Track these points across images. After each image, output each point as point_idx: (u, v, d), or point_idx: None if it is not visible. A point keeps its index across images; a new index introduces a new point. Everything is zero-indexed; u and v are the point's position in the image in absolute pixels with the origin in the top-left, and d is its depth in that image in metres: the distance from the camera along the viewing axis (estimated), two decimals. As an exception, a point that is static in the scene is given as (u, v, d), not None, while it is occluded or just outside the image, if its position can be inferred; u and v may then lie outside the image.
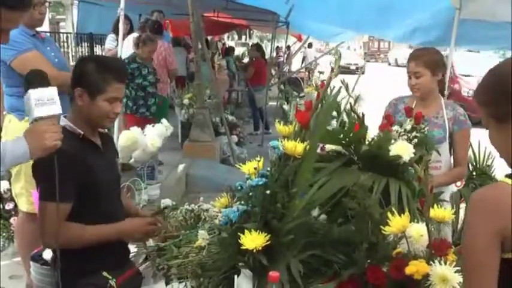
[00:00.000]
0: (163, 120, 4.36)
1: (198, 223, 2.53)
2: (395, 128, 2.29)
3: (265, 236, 1.60)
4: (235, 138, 8.15)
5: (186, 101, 7.08)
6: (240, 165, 1.86)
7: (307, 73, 17.17)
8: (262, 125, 9.90)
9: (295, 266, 1.59)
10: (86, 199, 2.01)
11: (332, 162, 2.02)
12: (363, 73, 23.69)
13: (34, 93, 1.73)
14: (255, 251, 1.58)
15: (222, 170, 6.71)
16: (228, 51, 15.19)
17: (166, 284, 2.16)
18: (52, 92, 1.76)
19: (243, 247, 1.59)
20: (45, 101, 1.74)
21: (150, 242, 2.41)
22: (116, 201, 2.21)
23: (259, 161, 1.80)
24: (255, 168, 1.78)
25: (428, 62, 2.86)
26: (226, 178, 6.35)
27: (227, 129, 7.44)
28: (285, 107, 11.26)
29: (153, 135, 4.01)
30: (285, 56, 18.30)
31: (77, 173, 1.89)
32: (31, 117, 1.74)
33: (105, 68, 2.05)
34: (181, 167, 6.16)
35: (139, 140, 3.90)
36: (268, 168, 1.81)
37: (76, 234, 2.00)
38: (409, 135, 2.33)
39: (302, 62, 19.25)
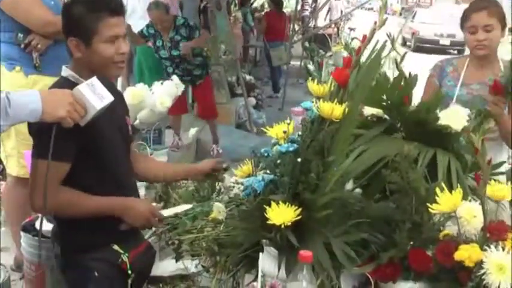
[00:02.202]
0: (174, 77, 4.32)
1: (212, 194, 2.53)
2: None
3: (295, 210, 1.59)
4: (252, 100, 8.14)
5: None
6: (266, 129, 1.84)
7: (335, 29, 16.94)
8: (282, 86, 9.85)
9: (339, 247, 1.59)
10: (89, 161, 1.99)
11: (371, 128, 2.00)
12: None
13: (83, 88, 1.83)
14: (283, 226, 1.57)
15: (238, 136, 6.73)
16: (244, 1, 14.98)
17: (176, 260, 2.18)
18: (95, 81, 1.87)
19: (269, 222, 1.58)
20: (96, 92, 1.84)
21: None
22: (124, 165, 2.19)
23: (289, 124, 1.78)
24: (285, 132, 1.75)
25: (500, 14, 2.74)
26: (242, 145, 6.39)
27: (244, 90, 7.41)
28: (310, 66, 11.16)
29: (162, 94, 3.98)
30: (311, 8, 18.04)
31: (80, 129, 1.87)
32: (93, 112, 1.83)
33: (92, 4, 1.98)
34: (192, 131, 6.17)
35: (146, 98, 3.86)
36: (299, 133, 1.78)
37: (71, 201, 1.99)
38: None
39: (326, 15, 18.96)
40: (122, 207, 2.07)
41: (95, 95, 1.83)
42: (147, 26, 5.72)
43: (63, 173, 1.96)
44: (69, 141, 1.90)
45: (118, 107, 2.15)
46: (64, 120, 1.78)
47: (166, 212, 2.21)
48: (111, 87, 2.05)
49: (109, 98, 1.87)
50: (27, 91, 1.84)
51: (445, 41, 18.02)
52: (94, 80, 1.86)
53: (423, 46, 17.32)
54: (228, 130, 6.94)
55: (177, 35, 5.65)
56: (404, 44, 19.13)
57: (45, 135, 1.84)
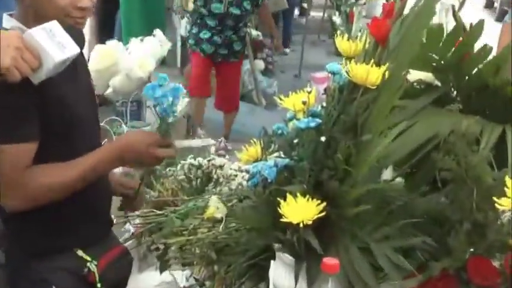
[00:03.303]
0: (158, 32, 4.31)
1: (208, 185, 2.53)
2: None
3: (318, 205, 1.58)
4: (261, 64, 8.11)
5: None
6: (280, 99, 1.82)
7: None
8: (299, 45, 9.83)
9: (385, 255, 1.58)
10: (51, 138, 1.99)
11: (418, 98, 1.99)
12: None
13: (38, 33, 1.79)
14: (301, 226, 1.56)
15: (242, 110, 6.73)
16: None
17: (161, 271, 2.18)
18: (55, 25, 1.84)
19: (283, 220, 1.57)
20: (56, 39, 1.81)
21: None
22: (95, 143, 2.20)
23: (309, 92, 1.76)
24: (304, 103, 1.74)
25: None
26: (245, 122, 6.38)
27: (250, 50, 7.38)
28: (336, 19, 11.13)
29: (143, 54, 3.97)
30: None
31: (40, 100, 1.87)
32: (51, 65, 1.79)
33: None
34: (181, 103, 6.18)
35: (120, 60, 3.86)
36: (323, 104, 1.77)
37: (53, 180, 1.98)
38: None
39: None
40: (117, 153, 2.08)
41: (53, 43, 1.80)
42: None
43: (31, 154, 1.96)
44: (31, 112, 1.90)
45: (81, 67, 2.14)
46: (8, 72, 1.74)
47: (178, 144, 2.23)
48: (78, 37, 2.03)
49: (73, 48, 1.84)
50: None
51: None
52: (53, 24, 1.83)
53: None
54: (228, 102, 6.95)
55: None
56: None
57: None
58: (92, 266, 2.09)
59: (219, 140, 6.26)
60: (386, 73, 1.71)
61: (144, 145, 2.06)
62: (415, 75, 2.05)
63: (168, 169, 2.66)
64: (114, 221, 2.44)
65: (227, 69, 6.41)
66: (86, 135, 2.13)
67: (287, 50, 10.51)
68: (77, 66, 2.08)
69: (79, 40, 2.04)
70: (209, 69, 6.40)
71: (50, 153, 1.99)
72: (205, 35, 6.03)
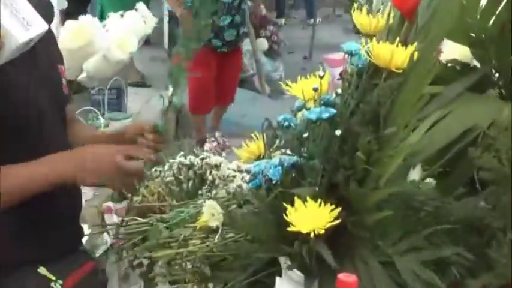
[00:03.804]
0: (141, 6, 4.31)
1: (201, 188, 2.53)
2: None
3: (332, 211, 1.58)
4: (264, 43, 8.11)
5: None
6: (286, 85, 1.82)
7: None
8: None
9: (411, 270, 1.58)
10: (8, 135, 2.00)
11: (453, 83, 1.98)
12: None
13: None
14: (312, 236, 1.56)
15: (242, 98, 6.73)
16: None
17: (146, 291, 2.19)
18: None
19: (290, 229, 1.58)
20: (19, 15, 1.81)
21: (114, 218, 2.42)
22: (55, 142, 2.20)
23: (322, 77, 1.76)
24: (315, 90, 1.73)
25: None
26: (246, 113, 6.38)
27: (250, 27, 7.39)
28: (354, -10, 11.15)
29: (123, 32, 3.97)
30: None
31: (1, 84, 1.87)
32: (14, 46, 1.79)
33: None
34: (169, 92, 6.17)
35: (96, 38, 3.87)
36: (338, 91, 1.77)
37: None
38: None
39: None
40: (73, 165, 2.05)
41: (16, 20, 1.80)
42: None
43: None
44: None
45: (45, 52, 2.15)
46: None
47: None
48: (45, 10, 2.03)
49: (39, 25, 1.84)
50: None
51: None
52: None
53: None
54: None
55: None
56: None
57: None
58: (57, 287, 2.08)
59: (216, 135, 6.20)
60: (415, 54, 1.70)
61: (110, 153, 2.06)
62: (449, 53, 2.04)
63: (153, 169, 2.66)
64: (88, 232, 2.44)
65: (231, 55, 6.31)
66: (43, 132, 2.12)
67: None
68: (39, 53, 2.08)
69: (47, 13, 2.04)
70: (214, 72, 6.15)
71: (11, 147, 2.00)
72: (225, 20, 5.91)
